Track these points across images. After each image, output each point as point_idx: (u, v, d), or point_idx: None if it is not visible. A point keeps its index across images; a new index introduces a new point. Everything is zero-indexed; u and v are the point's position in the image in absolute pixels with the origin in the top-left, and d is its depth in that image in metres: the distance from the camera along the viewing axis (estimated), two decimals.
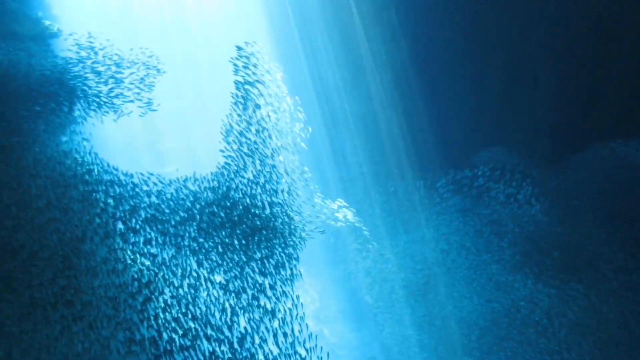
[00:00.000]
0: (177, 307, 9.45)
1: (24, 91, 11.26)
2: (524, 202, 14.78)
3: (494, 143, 15.69)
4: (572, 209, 14.38)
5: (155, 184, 10.84)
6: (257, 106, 11.08)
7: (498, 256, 15.05)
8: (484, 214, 15.45)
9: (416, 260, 17.17)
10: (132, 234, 10.02)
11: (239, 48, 11.07)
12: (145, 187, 10.65)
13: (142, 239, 10.11)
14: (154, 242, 10.12)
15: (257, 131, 11.07)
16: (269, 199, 11.11)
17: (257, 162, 11.17)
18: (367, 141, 20.17)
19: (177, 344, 9.04)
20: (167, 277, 9.72)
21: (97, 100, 12.02)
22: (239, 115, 11.10)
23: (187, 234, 10.41)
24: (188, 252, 10.25)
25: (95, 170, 10.52)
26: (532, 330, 14.43)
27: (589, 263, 13.56)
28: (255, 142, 11.09)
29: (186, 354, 9.04)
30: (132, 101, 12.20)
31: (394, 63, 17.77)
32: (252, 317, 9.88)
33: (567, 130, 14.65)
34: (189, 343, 9.06)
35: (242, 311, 9.85)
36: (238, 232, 10.69)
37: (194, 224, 10.55)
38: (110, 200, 10.24)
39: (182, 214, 10.60)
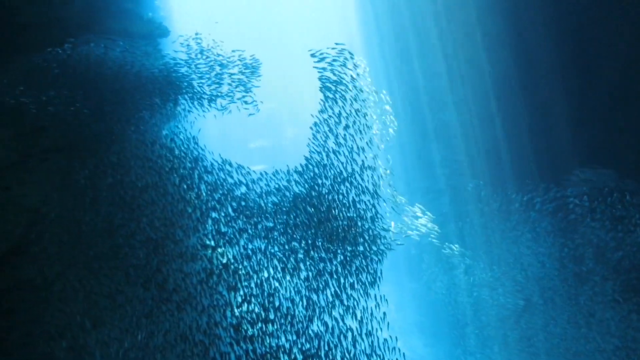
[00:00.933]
0: (261, 298, 9.63)
1: (135, 86, 12.10)
2: (632, 227, 13.44)
3: (597, 161, 14.46)
4: None
5: (245, 176, 11.19)
6: (345, 103, 11.12)
7: (600, 287, 13.80)
8: (586, 238, 14.24)
9: (505, 279, 16.21)
10: (222, 224, 10.37)
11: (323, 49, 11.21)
12: (236, 177, 11.03)
13: (231, 229, 10.42)
14: (243, 233, 10.40)
15: (347, 126, 11.07)
16: (355, 198, 11.03)
17: (344, 159, 11.17)
18: (457, 152, 19.44)
19: (259, 331, 9.21)
20: (253, 267, 9.95)
21: (200, 97, 12.63)
22: (329, 108, 11.20)
23: (274, 229, 10.60)
24: (275, 246, 10.42)
25: (192, 157, 11.06)
26: None
27: None
28: (344, 137, 11.09)
29: (267, 342, 9.19)
30: (234, 101, 12.68)
31: (492, 72, 17.02)
32: (333, 313, 9.87)
33: None
34: (270, 331, 9.20)
35: (324, 307, 9.86)
36: (323, 230, 10.70)
37: (282, 218, 10.72)
38: (204, 187, 10.69)
39: (270, 208, 10.81)
